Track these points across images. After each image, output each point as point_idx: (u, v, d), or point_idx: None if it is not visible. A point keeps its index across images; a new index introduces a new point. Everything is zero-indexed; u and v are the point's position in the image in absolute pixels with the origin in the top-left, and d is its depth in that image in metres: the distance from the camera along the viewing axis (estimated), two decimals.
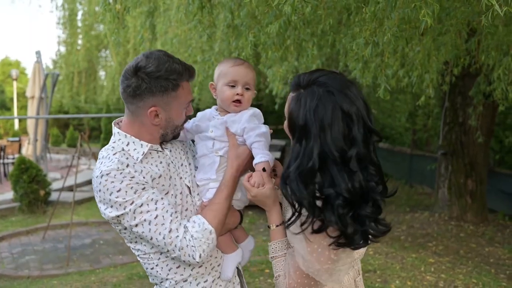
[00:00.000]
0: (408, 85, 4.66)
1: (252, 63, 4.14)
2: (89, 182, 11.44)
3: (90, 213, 8.71)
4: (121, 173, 1.40)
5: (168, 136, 1.58)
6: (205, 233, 1.45)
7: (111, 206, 1.40)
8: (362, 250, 1.50)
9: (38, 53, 11.31)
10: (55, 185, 9.38)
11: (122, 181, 1.39)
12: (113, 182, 1.39)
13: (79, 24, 16.89)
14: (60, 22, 16.65)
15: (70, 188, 9.23)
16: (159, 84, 1.44)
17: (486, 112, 7.03)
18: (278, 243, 1.48)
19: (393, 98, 13.50)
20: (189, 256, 1.43)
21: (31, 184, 8.39)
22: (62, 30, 17.18)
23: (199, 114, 1.69)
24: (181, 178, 1.60)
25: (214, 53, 4.96)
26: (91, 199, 9.84)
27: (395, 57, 4.61)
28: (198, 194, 1.63)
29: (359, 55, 3.25)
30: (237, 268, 1.69)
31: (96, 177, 1.42)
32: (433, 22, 3.63)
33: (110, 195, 1.39)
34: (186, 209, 1.57)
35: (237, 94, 1.58)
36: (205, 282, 1.58)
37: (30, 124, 11.82)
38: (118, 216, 1.41)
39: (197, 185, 1.63)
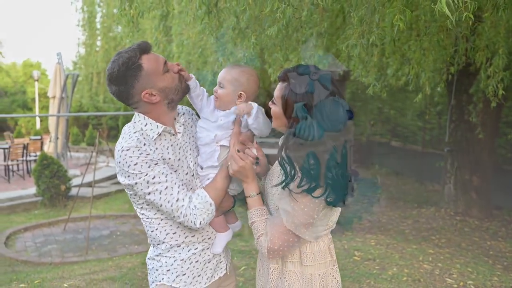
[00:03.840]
0: (407, 83, 4.89)
1: (258, 63, 4.42)
2: (107, 178, 11.88)
3: (108, 207, 9.13)
4: (138, 150, 1.68)
5: (176, 99, 1.82)
6: (206, 205, 1.76)
7: (128, 176, 1.69)
8: (335, 220, 1.78)
9: (59, 54, 11.78)
10: (74, 182, 9.81)
11: (139, 157, 1.67)
12: (131, 157, 1.67)
13: (98, 26, 17.33)
14: (79, 24, 17.14)
15: (89, 184, 9.66)
16: (128, 78, 1.69)
17: (491, 109, 7.14)
18: (258, 210, 1.78)
19: (404, 97, 13.61)
20: (191, 222, 1.73)
21: (52, 179, 8.83)
22: (81, 32, 17.68)
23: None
24: (187, 161, 1.86)
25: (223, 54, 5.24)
26: (109, 194, 10.27)
27: (395, 57, 4.84)
28: (198, 178, 1.90)
29: (354, 55, 3.51)
30: None
31: (118, 150, 1.71)
32: (422, 24, 3.87)
33: (128, 167, 1.67)
34: (191, 188, 1.84)
35: (215, 91, 1.90)
36: (195, 249, 1.86)
37: (51, 122, 12.31)
38: (132, 186, 1.70)
39: (201, 168, 1.90)
